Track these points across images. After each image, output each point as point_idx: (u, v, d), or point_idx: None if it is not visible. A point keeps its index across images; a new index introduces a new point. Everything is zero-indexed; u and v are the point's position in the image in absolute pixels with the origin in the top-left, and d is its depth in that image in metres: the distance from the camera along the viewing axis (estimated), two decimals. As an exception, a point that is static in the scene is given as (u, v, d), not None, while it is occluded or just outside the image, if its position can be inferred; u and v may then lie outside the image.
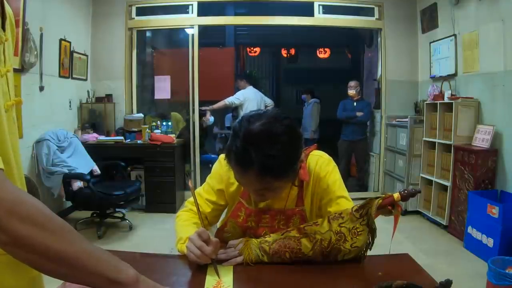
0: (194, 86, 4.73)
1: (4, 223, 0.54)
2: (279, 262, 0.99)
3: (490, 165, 3.23)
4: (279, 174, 0.94)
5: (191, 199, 1.12)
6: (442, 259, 3.00)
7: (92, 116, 4.51)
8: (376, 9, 4.74)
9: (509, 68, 3.12)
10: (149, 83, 5.38)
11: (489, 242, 2.89)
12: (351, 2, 4.75)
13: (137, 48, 4.81)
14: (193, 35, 4.70)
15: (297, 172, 1.04)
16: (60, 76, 3.94)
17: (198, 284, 0.88)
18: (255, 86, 5.29)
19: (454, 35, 3.88)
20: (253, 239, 1.04)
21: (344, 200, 1.11)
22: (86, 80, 4.53)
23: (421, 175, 4.05)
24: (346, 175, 5.09)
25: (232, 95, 5.05)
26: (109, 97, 4.64)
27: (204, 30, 4.96)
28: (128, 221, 3.71)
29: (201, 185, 1.26)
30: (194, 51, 4.70)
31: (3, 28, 0.74)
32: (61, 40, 3.92)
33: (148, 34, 5.49)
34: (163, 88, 4.94)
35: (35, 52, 3.36)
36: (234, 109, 5.54)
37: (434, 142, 3.80)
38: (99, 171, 3.77)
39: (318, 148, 1.20)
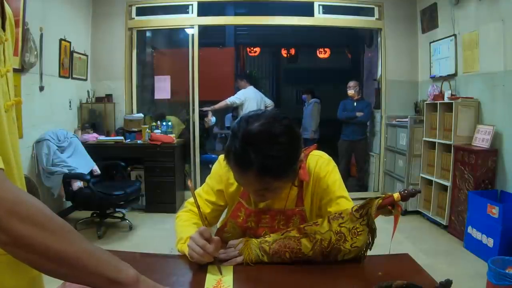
0: (194, 86, 4.73)
1: (4, 223, 0.54)
2: (279, 262, 0.99)
3: (490, 165, 3.23)
4: (278, 174, 0.94)
5: (191, 199, 1.12)
6: (442, 259, 3.00)
7: (92, 116, 4.51)
8: (376, 9, 4.74)
9: (509, 68, 3.12)
10: (149, 83, 5.38)
11: (489, 242, 2.89)
12: (351, 2, 4.75)
13: (137, 48, 4.81)
14: (193, 35, 4.70)
15: (297, 172, 1.04)
16: (60, 76, 3.94)
17: (198, 284, 0.88)
18: (255, 86, 5.29)
19: (454, 35, 3.88)
20: (253, 239, 1.04)
21: (344, 200, 1.11)
22: (86, 80, 4.53)
23: (421, 175, 4.05)
24: (346, 175, 5.09)
25: (232, 95, 5.05)
26: (109, 97, 4.64)
27: (204, 30, 4.97)
28: (128, 221, 3.71)
29: (201, 185, 1.25)
30: (194, 51, 4.70)
31: (3, 28, 0.74)
32: (61, 40, 3.92)
33: (148, 34, 5.49)
34: (163, 88, 4.94)
35: (35, 52, 3.36)
36: (234, 109, 5.54)
37: (434, 142, 3.80)
38: (99, 171, 3.77)
39: (318, 148, 1.20)
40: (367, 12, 4.79)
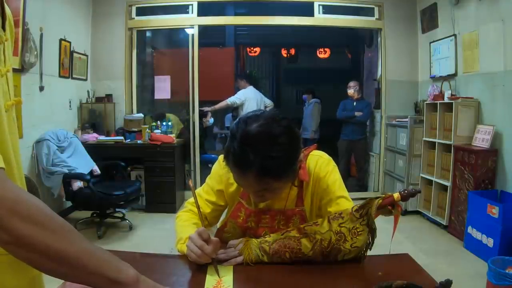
0: (194, 86, 4.73)
1: (6, 222, 0.55)
2: (279, 262, 0.99)
3: (490, 165, 3.23)
4: (278, 175, 0.94)
5: (191, 199, 1.12)
6: (442, 259, 3.00)
7: (92, 116, 4.51)
8: (376, 9, 4.74)
9: (509, 68, 3.12)
10: (149, 83, 5.38)
11: (489, 242, 2.89)
12: (351, 2, 4.75)
13: (137, 48, 4.81)
14: (193, 35, 4.70)
15: (297, 173, 1.04)
16: (60, 76, 3.94)
17: (198, 284, 0.88)
18: (255, 86, 5.29)
19: (454, 35, 3.88)
20: (253, 239, 1.04)
21: (344, 200, 1.11)
22: (86, 80, 4.53)
23: (421, 175, 4.05)
24: (346, 175, 5.09)
25: (232, 95, 5.05)
26: (109, 97, 4.64)
27: (204, 30, 4.97)
28: (128, 221, 3.71)
29: (201, 185, 1.26)
30: (194, 51, 4.70)
31: (3, 28, 0.74)
32: (61, 40, 3.92)
33: (148, 34, 5.49)
34: (163, 88, 4.94)
35: (35, 52, 3.36)
36: (234, 109, 5.54)
37: (434, 142, 3.80)
38: (99, 171, 3.77)
39: (318, 148, 1.20)
40: (367, 12, 4.79)
